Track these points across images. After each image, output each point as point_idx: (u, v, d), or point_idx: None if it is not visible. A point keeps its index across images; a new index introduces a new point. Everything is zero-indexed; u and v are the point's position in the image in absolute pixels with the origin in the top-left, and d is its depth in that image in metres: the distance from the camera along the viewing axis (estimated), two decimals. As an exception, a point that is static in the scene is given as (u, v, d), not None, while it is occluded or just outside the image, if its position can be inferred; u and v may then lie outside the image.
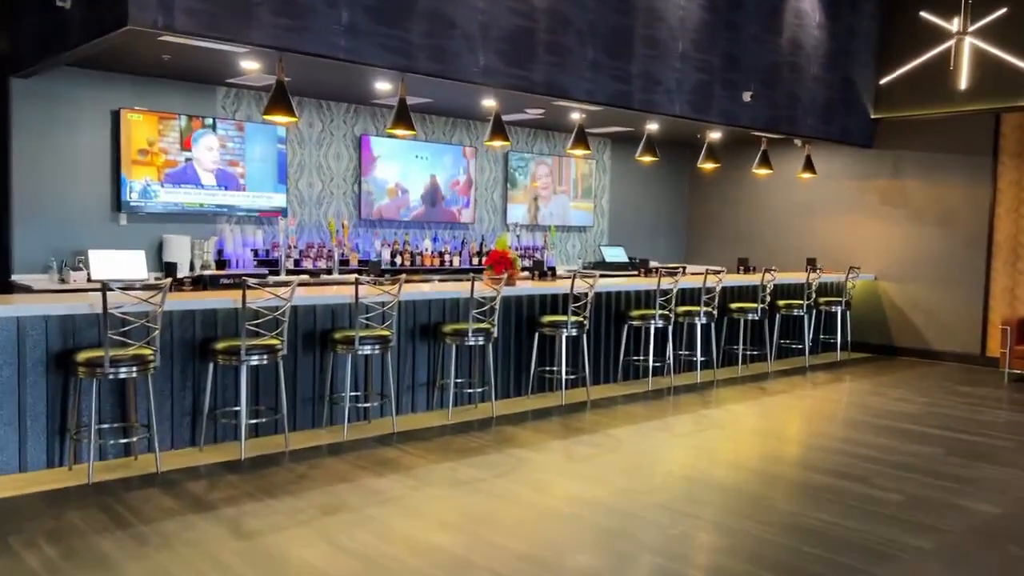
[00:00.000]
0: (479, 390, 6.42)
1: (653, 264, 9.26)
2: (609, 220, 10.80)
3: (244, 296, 4.84)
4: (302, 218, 7.98)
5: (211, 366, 4.99)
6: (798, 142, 10.31)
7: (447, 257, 8.79)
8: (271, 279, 7.03)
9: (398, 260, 8.40)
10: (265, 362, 4.96)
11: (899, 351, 9.63)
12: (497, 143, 6.66)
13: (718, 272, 7.73)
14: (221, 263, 7.31)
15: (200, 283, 5.30)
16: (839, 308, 9.22)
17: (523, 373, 6.79)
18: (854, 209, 9.98)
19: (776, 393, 7.32)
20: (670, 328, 7.46)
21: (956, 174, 9.14)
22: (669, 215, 11.53)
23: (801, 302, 8.77)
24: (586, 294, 6.67)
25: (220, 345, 4.89)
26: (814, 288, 8.91)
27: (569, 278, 6.71)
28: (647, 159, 7.88)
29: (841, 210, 10.09)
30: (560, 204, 10.13)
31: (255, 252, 7.56)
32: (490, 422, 5.94)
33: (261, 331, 4.93)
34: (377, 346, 5.41)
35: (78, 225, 6.69)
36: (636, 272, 9.34)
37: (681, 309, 7.67)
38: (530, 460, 5.00)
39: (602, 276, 7.01)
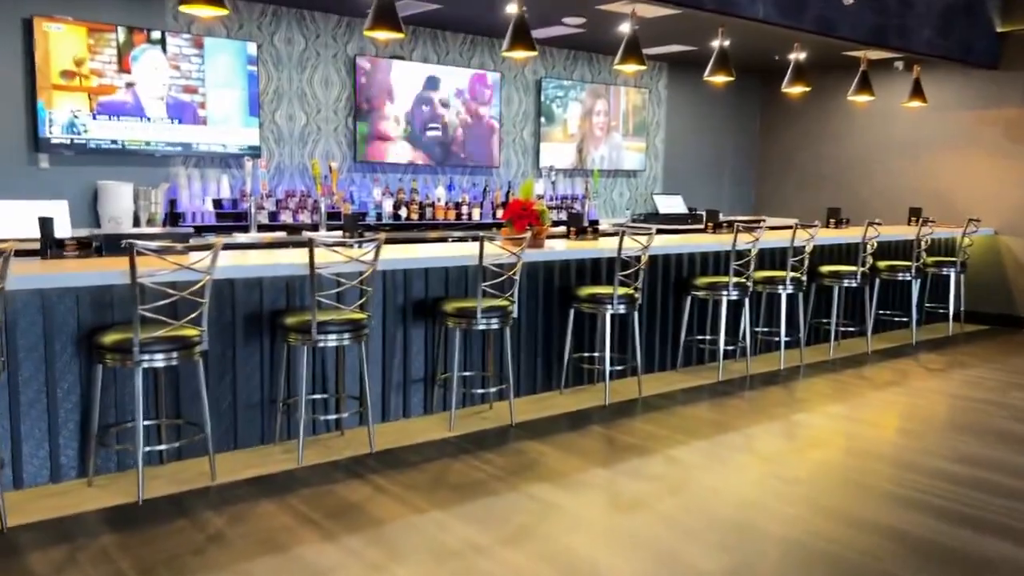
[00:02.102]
0: (493, 389, 4.84)
1: (724, 217, 7.50)
2: (664, 163, 9.02)
3: (133, 267, 3.29)
4: (280, 160, 6.40)
5: (99, 369, 3.48)
6: (899, 64, 8.37)
7: (465, 209, 7.15)
8: (238, 238, 5.50)
9: (403, 213, 6.80)
10: (175, 362, 3.43)
11: (1024, 323, 7.79)
12: (519, 54, 4.97)
13: (810, 227, 5.99)
14: (175, 216, 5.79)
15: (89, 247, 3.77)
16: (952, 271, 7.39)
17: (554, 363, 5.19)
18: (970, 146, 8.05)
19: (884, 386, 5.60)
20: (746, 300, 5.77)
21: (1112, 100, 7.17)
22: (735, 158, 9.69)
23: (908, 263, 6.97)
24: (638, 258, 5.02)
25: (108, 339, 3.37)
26: (923, 246, 7.09)
27: (616, 235, 5.05)
28: (719, 79, 6.10)
29: (953, 148, 8.17)
30: (607, 143, 8.39)
31: (218, 203, 6.02)
32: (507, 434, 4.37)
33: (166, 319, 3.38)
34: (347, 334, 3.85)
35: (-19, 169, 5.21)
36: (700, 227, 7.60)
37: (760, 275, 5.95)
38: (557, 508, 3.42)
39: (659, 232, 5.34)
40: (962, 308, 7.75)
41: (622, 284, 4.92)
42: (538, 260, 4.91)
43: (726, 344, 5.91)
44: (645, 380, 5.40)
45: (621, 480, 3.77)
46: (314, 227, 6.22)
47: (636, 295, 4.99)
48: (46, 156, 5.41)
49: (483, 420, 4.59)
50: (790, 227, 6.02)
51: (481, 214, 7.22)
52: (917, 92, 7.62)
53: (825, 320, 6.90)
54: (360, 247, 3.91)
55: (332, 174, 6.32)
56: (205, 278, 3.47)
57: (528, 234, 4.55)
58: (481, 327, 4.33)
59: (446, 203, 7.06)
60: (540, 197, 7.52)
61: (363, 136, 6.71)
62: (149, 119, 5.72)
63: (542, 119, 7.85)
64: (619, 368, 5.48)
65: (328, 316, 3.80)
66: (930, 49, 7.09)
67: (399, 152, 6.92)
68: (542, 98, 7.82)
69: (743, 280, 5.62)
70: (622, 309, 4.92)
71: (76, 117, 5.44)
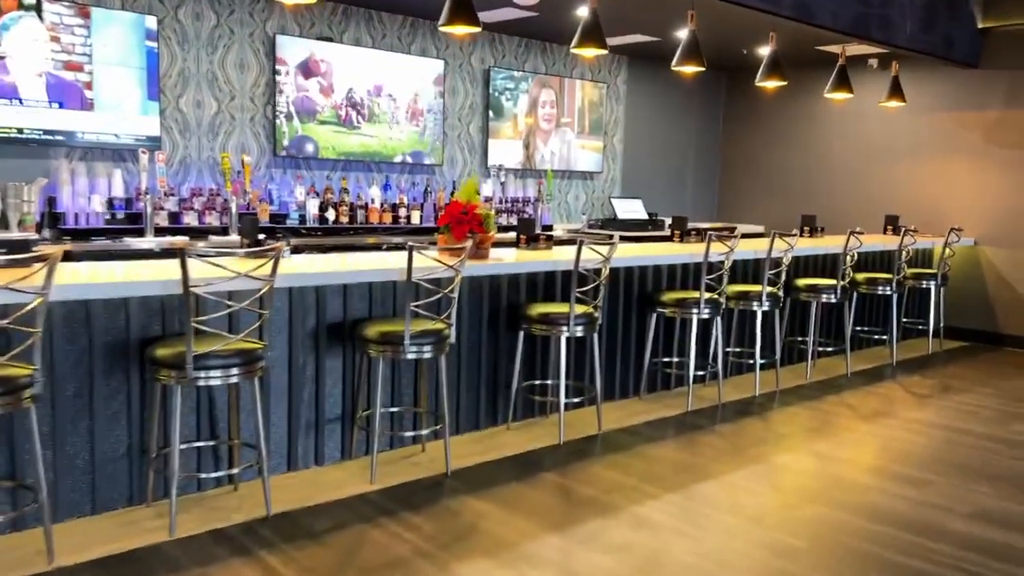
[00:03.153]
0: (426, 431, 4.06)
1: (695, 224, 6.83)
2: (623, 165, 8.33)
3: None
4: (186, 154, 5.52)
5: None
6: (873, 62, 7.81)
7: (403, 212, 6.36)
8: (133, 244, 4.64)
9: (331, 215, 5.97)
10: (-7, 413, 2.59)
11: (1006, 339, 7.27)
12: (460, 30, 4.19)
13: (788, 236, 5.34)
14: (54, 218, 4.88)
15: None
16: (932, 283, 6.82)
17: (500, 393, 4.43)
18: (949, 150, 7.51)
19: (872, 417, 4.96)
20: (718, 318, 5.07)
21: (1101, 103, 6.68)
22: (699, 161, 9.05)
23: (889, 276, 6.38)
24: (598, 271, 4.29)
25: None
26: (905, 258, 6.51)
27: (572, 243, 4.31)
28: (689, 68, 5.41)
29: (931, 152, 7.63)
30: (561, 141, 7.66)
31: (110, 203, 5.12)
32: (440, 487, 3.59)
33: (-21, 355, 2.53)
34: (235, 368, 3.03)
35: None
36: (663, 235, 6.94)
37: (733, 289, 5.28)
38: (499, 599, 2.65)
39: (620, 241, 4.63)
40: (942, 324, 7.20)
41: (580, 302, 4.19)
42: (481, 274, 4.15)
43: (696, 368, 5.21)
44: (606, 410, 4.68)
45: (579, 553, 3.01)
46: (223, 230, 5.36)
47: (596, 314, 4.25)
48: None
49: (413, 467, 3.80)
50: (763, 236, 5.35)
51: (422, 217, 6.43)
52: (896, 91, 7.06)
53: (801, 338, 6.27)
54: (254, 258, 3.10)
55: (245, 169, 5.47)
56: (36, 300, 2.63)
57: (469, 243, 3.78)
58: (411, 355, 3.55)
59: (381, 205, 6.25)
60: (488, 200, 6.76)
61: (286, 128, 5.87)
62: (23, 101, 4.81)
63: (490, 113, 7.09)
64: (576, 400, 4.74)
65: (209, 347, 2.98)
66: (912, 43, 6.51)
67: (327, 146, 6.09)
68: (490, 90, 7.06)
69: (715, 296, 4.93)
70: (580, 331, 4.18)
71: (-75, 96, 4.51)
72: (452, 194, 6.69)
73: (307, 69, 5.93)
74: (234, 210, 5.36)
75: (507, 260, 4.25)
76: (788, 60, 6.73)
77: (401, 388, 4.02)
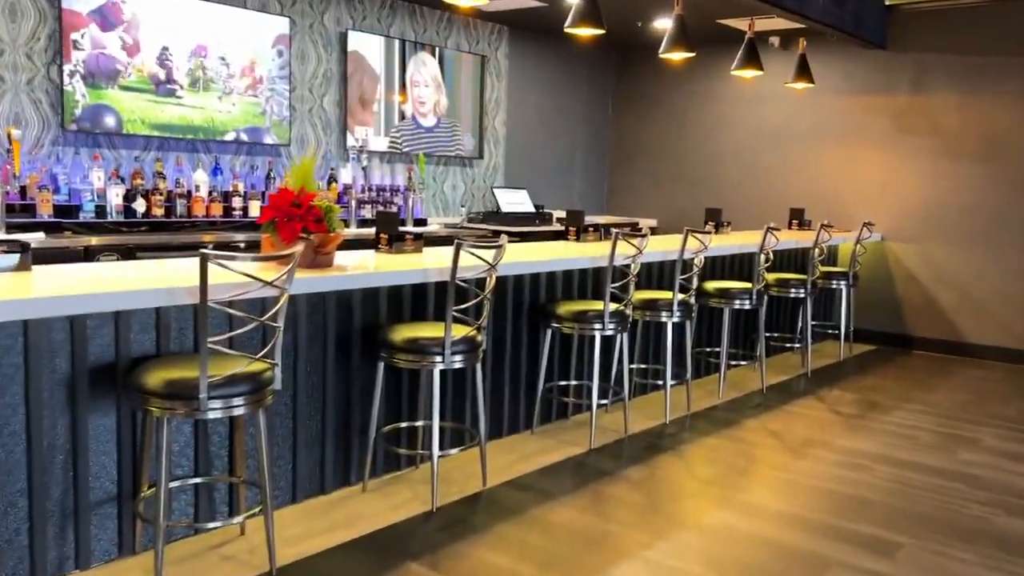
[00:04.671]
0: (245, 511, 2.95)
1: (593, 220, 5.92)
2: (506, 151, 7.36)
3: None
4: (-72, 123, 4.14)
5: None
6: (775, 40, 7.18)
7: (238, 201, 5.15)
8: None
9: (140, 206, 4.70)
10: None
11: (915, 342, 6.79)
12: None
13: (701, 233, 4.50)
14: None
15: None
16: (843, 283, 6.22)
17: (354, 444, 3.36)
18: (855, 137, 6.95)
19: (802, 448, 4.20)
20: (624, 333, 4.17)
21: (1007, 86, 6.23)
22: (588, 147, 8.20)
23: (802, 277, 5.70)
24: (482, 281, 3.30)
25: None
26: (819, 256, 5.84)
27: (449, 243, 3.30)
28: (584, 31, 4.47)
29: (837, 139, 7.05)
30: (429, 118, 6.61)
31: None
32: (258, 600, 2.50)
33: None
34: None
35: None
36: (553, 230, 6.05)
37: (640, 297, 4.40)
38: None
39: (510, 241, 3.62)
40: (851, 328, 6.63)
41: (459, 322, 3.17)
42: (323, 289, 3.06)
43: (598, 394, 4.31)
44: (492, 451, 3.69)
45: None
46: (-18, 228, 4.03)
47: (479, 338, 3.26)
48: None
49: (222, 564, 2.69)
50: (658, 233, 4.51)
51: (262, 209, 5.22)
52: (803, 71, 6.41)
53: (710, 349, 5.50)
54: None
55: (14, 146, 4.14)
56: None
57: (300, 247, 2.68)
58: (213, 414, 2.43)
59: (210, 193, 5.02)
60: (347, 189, 5.63)
61: (79, 95, 4.55)
62: None
63: (347, 82, 5.95)
64: (453, 450, 3.73)
65: None
66: (824, 17, 5.84)
67: (134, 119, 4.81)
68: (348, 58, 5.92)
69: (621, 307, 4.03)
70: (458, 361, 3.17)
71: None
72: (301, 181, 5.52)
73: (104, 18, 4.63)
74: (-3, 200, 4.04)
75: (358, 270, 3.17)
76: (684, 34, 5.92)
77: (208, 449, 2.89)
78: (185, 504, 2.86)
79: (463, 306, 3.22)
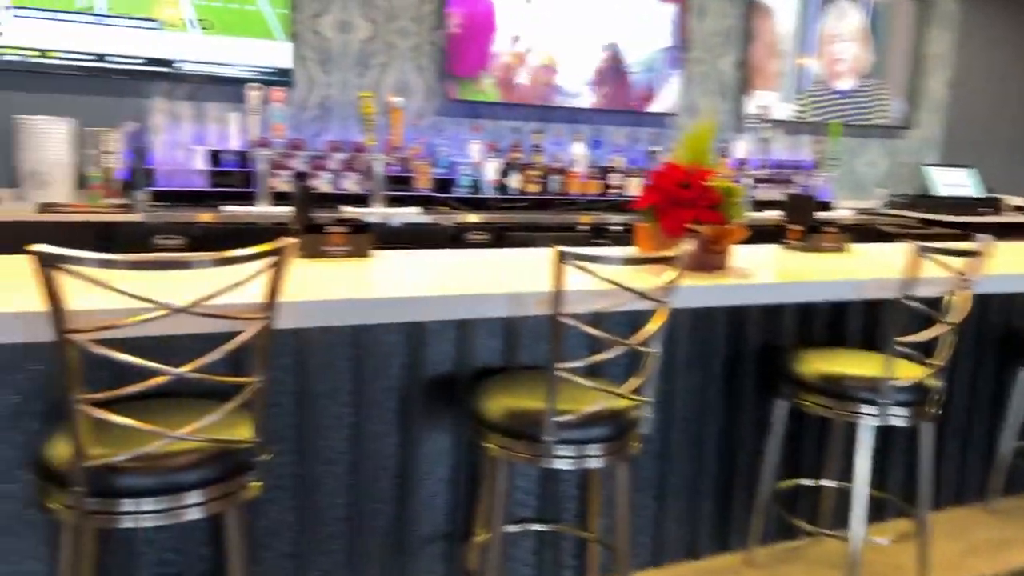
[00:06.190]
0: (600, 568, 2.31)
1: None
2: (947, 120, 5.86)
3: None
4: (326, 93, 4.13)
5: None
6: None
7: (615, 178, 4.58)
8: (228, 212, 3.35)
9: (514, 183, 4.33)
10: None
11: None
12: None
13: None
14: (146, 174, 3.68)
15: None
16: None
17: (734, 497, 2.57)
18: None
19: None
20: None
21: None
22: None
23: None
24: (938, 301, 2.26)
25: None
26: None
27: (876, 237, 2.31)
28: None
29: None
30: (849, 84, 5.42)
31: (215, 157, 3.84)
32: None
33: None
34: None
35: None
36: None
37: None
38: None
39: (944, 231, 2.49)
40: None
41: (905, 356, 2.20)
42: (716, 303, 2.27)
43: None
44: (939, 531, 2.64)
45: None
46: (361, 199, 3.93)
47: (935, 386, 2.24)
48: (-60, 74, 3.48)
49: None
50: None
51: (642, 188, 4.59)
52: None
53: None
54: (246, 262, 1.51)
55: (392, 115, 3.96)
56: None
57: (687, 245, 1.93)
58: (560, 463, 1.82)
59: (588, 169, 4.52)
60: (741, 164, 4.77)
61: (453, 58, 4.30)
62: (105, 17, 3.63)
63: (751, 42, 5.05)
64: (874, 527, 2.75)
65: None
66: None
67: (525, 86, 4.44)
68: (753, 11, 5.01)
69: None
70: (900, 415, 2.20)
71: (-18, 12, 3.44)
72: (689, 156, 4.78)
73: (493, -22, 4.30)
74: (378, 172, 3.90)
75: (762, 277, 2.34)
76: None
77: (557, 490, 2.31)
78: (526, 552, 2.32)
79: (913, 339, 2.23)
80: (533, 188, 4.35)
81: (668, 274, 1.79)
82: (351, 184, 3.98)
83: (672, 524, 2.50)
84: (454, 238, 3.77)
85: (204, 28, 3.78)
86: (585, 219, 4.12)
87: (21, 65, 3.51)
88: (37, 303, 1.33)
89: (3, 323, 1.49)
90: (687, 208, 2.08)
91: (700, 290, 2.09)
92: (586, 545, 2.35)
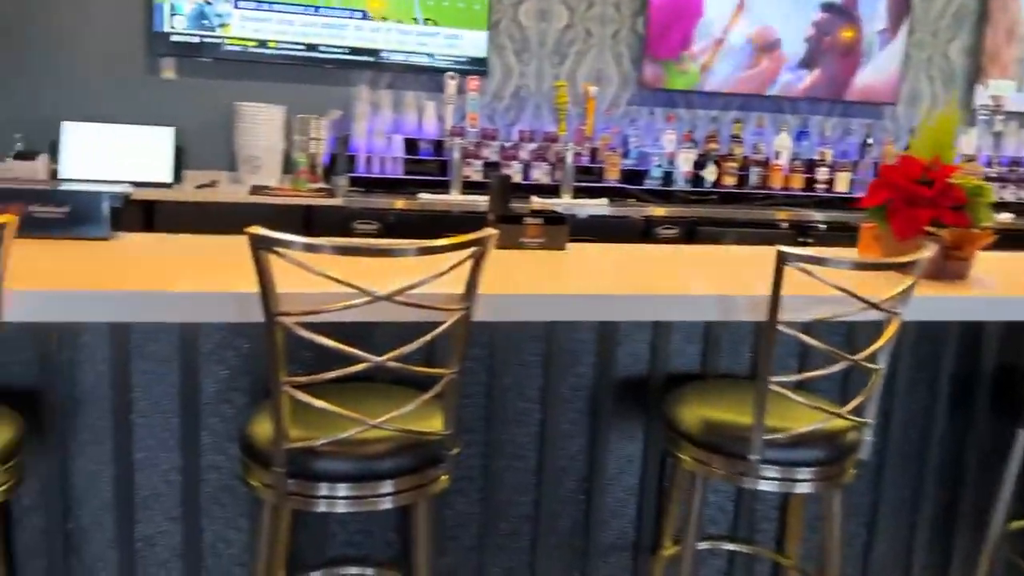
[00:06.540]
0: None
1: None
2: None
3: None
4: (521, 83, 4.11)
5: None
6: None
7: (823, 172, 4.24)
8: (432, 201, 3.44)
9: (708, 176, 4.12)
10: None
11: None
12: None
13: None
14: (348, 161, 3.82)
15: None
16: None
17: (956, 532, 2.28)
18: None
19: None
20: None
21: None
22: None
23: None
24: None
25: None
26: None
27: None
28: None
29: None
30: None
31: (410, 144, 3.92)
32: None
33: None
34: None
35: (78, 77, 3.69)
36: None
37: None
38: None
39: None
40: None
41: None
42: (954, 318, 2.00)
43: None
44: None
45: None
46: (550, 189, 3.88)
47: None
48: (172, 61, 3.76)
49: None
50: None
51: (852, 183, 4.24)
52: None
53: None
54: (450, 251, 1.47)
55: (588, 104, 3.87)
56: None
57: (928, 250, 1.70)
58: (766, 484, 1.66)
59: (790, 162, 4.22)
60: (968, 160, 4.29)
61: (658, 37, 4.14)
62: (317, 9, 3.79)
63: (987, 24, 4.52)
64: None
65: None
66: None
67: (717, 73, 4.22)
68: (993, -13, 4.48)
69: None
70: None
71: (209, 4, 3.68)
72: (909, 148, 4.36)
73: (697, -40, 4.10)
74: (567, 161, 3.83)
75: (1007, 290, 2.04)
76: None
77: (753, 509, 2.14)
78: (714, 571, 2.17)
79: None
80: (729, 180, 4.12)
81: (905, 282, 1.58)
82: (540, 174, 3.93)
83: (882, 556, 2.25)
84: (644, 232, 3.64)
85: (418, 19, 3.85)
86: (783, 215, 3.86)
87: (243, 55, 3.74)
88: (248, 284, 1.35)
89: (220, 302, 1.53)
90: (926, 208, 1.83)
91: (939, 301, 1.83)
92: (782, 570, 2.16)
